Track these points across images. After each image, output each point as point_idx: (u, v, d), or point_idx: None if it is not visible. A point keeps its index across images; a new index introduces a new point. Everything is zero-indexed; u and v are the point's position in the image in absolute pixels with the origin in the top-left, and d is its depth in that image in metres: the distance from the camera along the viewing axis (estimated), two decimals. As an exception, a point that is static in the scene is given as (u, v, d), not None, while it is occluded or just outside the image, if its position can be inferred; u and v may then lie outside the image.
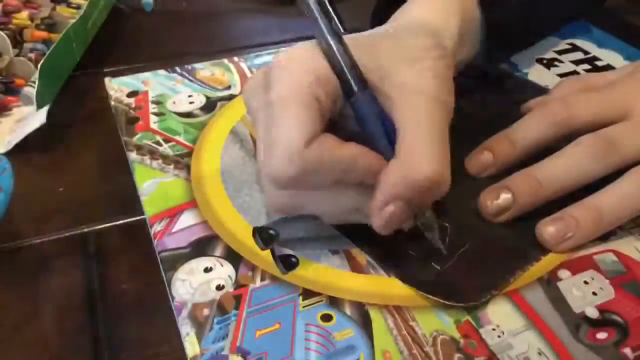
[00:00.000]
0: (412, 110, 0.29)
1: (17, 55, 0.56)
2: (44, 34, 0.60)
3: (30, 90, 0.52)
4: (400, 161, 0.28)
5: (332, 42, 0.30)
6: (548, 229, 0.34)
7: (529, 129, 0.36)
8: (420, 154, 0.28)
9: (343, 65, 0.30)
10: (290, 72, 0.29)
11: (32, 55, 0.56)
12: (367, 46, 0.31)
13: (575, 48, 0.57)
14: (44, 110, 0.46)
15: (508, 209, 0.34)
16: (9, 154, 0.46)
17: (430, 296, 0.33)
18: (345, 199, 0.30)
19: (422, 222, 0.33)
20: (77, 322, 0.33)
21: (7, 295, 0.35)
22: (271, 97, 0.28)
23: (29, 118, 0.48)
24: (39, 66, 0.49)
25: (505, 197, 0.34)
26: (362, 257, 0.35)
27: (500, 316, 0.32)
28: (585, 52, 0.57)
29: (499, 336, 0.31)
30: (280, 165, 0.27)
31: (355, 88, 0.30)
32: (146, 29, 0.66)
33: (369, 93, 0.31)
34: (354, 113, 0.31)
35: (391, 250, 0.35)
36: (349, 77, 0.30)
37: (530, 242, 0.35)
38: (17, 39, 0.58)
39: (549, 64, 0.55)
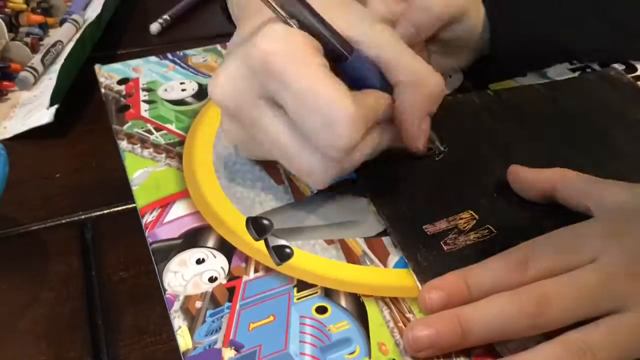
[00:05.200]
0: (385, 39, 0.32)
1: (13, 39, 0.55)
2: (40, 18, 0.59)
3: (27, 75, 0.51)
4: (410, 84, 0.32)
5: (310, 16, 0.31)
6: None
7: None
8: (422, 72, 0.32)
9: (328, 36, 0.31)
10: (294, 55, 0.29)
11: (28, 40, 0.55)
12: (337, 6, 0.33)
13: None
14: (53, 109, 0.46)
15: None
16: (4, 140, 0.45)
17: (417, 282, 0.32)
18: (373, 140, 0.33)
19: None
20: (75, 310, 0.33)
21: (4, 283, 0.34)
22: (291, 87, 0.28)
23: (34, 111, 0.47)
24: (58, 68, 0.48)
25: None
26: (357, 247, 0.35)
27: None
28: None
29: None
30: (350, 133, 0.28)
31: (345, 54, 0.32)
32: (137, 14, 0.65)
33: (357, 54, 0.32)
34: (349, 74, 0.32)
35: (408, 221, 0.36)
36: (337, 45, 0.31)
37: None
38: (13, 23, 0.57)
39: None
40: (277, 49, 0.29)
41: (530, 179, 0.36)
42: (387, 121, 0.34)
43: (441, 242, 0.34)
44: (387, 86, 0.33)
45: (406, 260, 0.34)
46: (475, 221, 0.36)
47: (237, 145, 0.36)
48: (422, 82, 0.33)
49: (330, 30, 0.31)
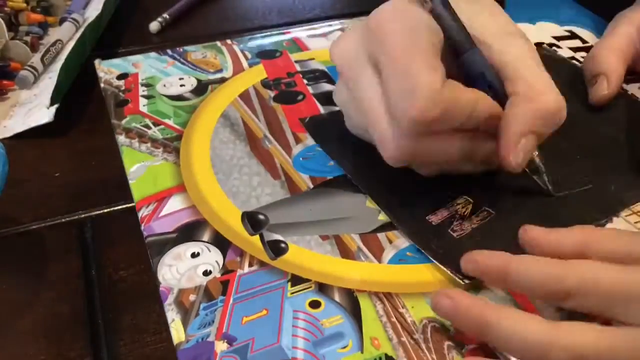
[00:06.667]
0: (517, 50, 0.32)
1: (13, 38, 0.55)
2: (40, 17, 0.59)
3: (27, 74, 0.51)
4: (524, 97, 0.31)
5: (440, 6, 0.33)
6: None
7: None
8: (540, 87, 0.31)
9: (450, 27, 0.32)
10: (402, 25, 0.31)
11: (28, 39, 0.56)
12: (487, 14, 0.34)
13: (573, 35, 0.57)
14: (54, 108, 0.46)
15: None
16: (4, 139, 0.45)
17: (441, 266, 0.33)
18: (463, 144, 0.32)
19: (530, 167, 0.34)
20: (75, 310, 0.33)
21: (4, 283, 0.34)
22: (390, 51, 0.30)
23: (34, 110, 0.47)
24: (58, 67, 0.49)
25: None
26: (352, 243, 0.35)
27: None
28: (584, 41, 0.56)
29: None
30: (424, 106, 0.28)
31: (466, 46, 0.33)
32: (137, 13, 0.65)
33: (475, 52, 0.33)
34: (466, 69, 0.33)
35: (411, 214, 0.36)
36: (462, 36, 0.33)
37: None
38: (13, 21, 0.57)
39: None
40: (393, 18, 0.31)
41: (549, 242, 0.29)
42: (486, 133, 0.32)
43: (449, 230, 0.35)
44: (502, 97, 0.32)
45: (422, 250, 0.34)
46: (471, 205, 0.36)
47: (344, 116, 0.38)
48: (535, 97, 0.31)
49: (457, 24, 0.33)
